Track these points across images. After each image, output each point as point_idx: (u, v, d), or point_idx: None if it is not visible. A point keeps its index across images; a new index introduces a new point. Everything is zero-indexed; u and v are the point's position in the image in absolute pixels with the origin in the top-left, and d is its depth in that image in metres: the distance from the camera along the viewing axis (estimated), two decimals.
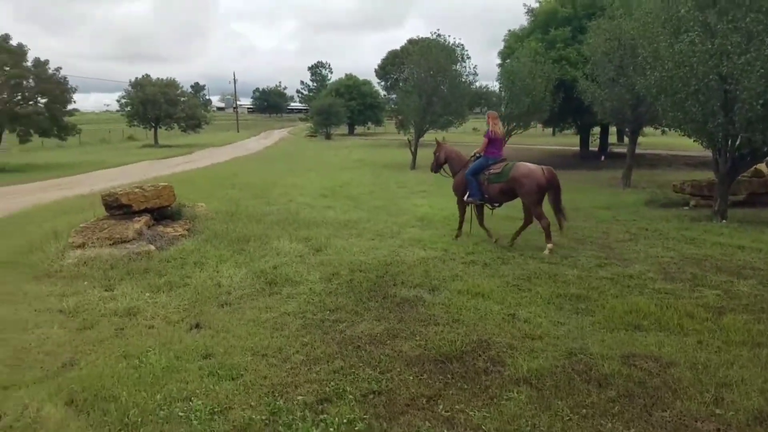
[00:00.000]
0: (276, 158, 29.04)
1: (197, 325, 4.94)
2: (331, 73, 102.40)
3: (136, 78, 43.62)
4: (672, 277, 6.61)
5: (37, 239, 8.32)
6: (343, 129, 65.74)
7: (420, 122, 24.50)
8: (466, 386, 3.87)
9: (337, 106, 55.36)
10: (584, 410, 3.50)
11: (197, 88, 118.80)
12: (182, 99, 44.50)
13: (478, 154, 8.63)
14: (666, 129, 20.99)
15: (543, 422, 3.36)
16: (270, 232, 8.62)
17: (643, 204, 12.98)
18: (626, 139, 23.77)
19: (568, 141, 40.09)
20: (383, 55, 68.64)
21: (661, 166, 23.63)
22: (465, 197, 8.64)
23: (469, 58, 24.07)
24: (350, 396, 3.67)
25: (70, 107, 27.12)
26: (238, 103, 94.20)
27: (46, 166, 25.13)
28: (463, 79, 24.14)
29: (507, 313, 5.28)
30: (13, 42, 24.18)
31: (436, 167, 9.47)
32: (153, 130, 44.65)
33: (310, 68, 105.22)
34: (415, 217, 10.61)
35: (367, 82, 65.57)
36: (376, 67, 66.36)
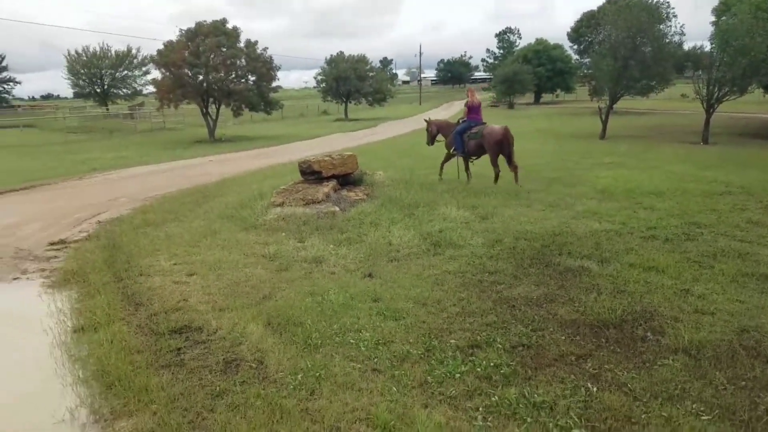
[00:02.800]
0: None
1: (370, 275, 5.60)
2: (520, 38, 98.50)
3: (331, 55, 47.08)
4: None
5: (246, 198, 9.87)
6: (528, 97, 63.19)
7: (614, 87, 22.78)
8: (619, 350, 3.92)
9: (523, 73, 53.02)
10: (743, 383, 3.35)
11: (385, 62, 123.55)
12: (371, 74, 46.90)
13: (462, 120, 11.41)
14: None
15: (694, 388, 3.31)
16: (439, 199, 9.07)
17: None
18: None
19: None
20: (577, 17, 63.98)
21: None
22: (451, 150, 11.34)
23: (675, 16, 21.70)
24: (499, 345, 3.97)
25: (274, 84, 30.45)
26: (423, 75, 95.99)
27: (254, 137, 28.73)
28: (668, 40, 21.83)
29: (680, 288, 5.04)
30: (229, 25, 27.75)
31: (431, 140, 12.20)
32: (344, 104, 47.96)
33: (497, 35, 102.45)
34: (595, 189, 10.20)
35: (558, 47, 61.71)
36: (569, 29, 62.29)
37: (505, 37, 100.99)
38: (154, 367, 3.80)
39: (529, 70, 54.24)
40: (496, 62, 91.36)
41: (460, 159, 11.34)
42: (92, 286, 5.61)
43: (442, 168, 11.74)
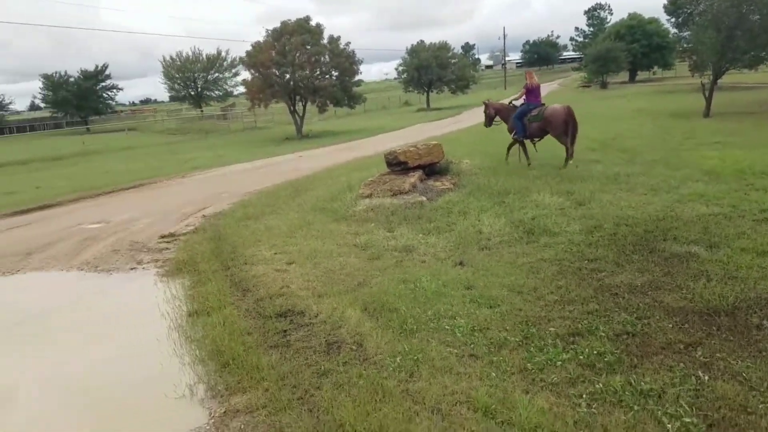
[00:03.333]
0: None
1: (461, 263, 5.61)
2: (611, 14, 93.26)
3: (412, 45, 47.05)
4: None
5: (336, 191, 10.15)
6: (623, 76, 59.70)
7: (718, 61, 21.02)
8: (732, 338, 3.69)
9: (616, 51, 49.97)
10: None
11: (467, 48, 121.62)
12: (452, 61, 46.39)
13: (514, 102, 11.55)
14: None
15: None
16: (531, 185, 8.85)
17: None
18: None
19: None
20: None
21: None
22: (513, 135, 11.17)
23: None
24: (602, 333, 3.85)
25: (357, 78, 30.96)
26: (507, 58, 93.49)
27: (339, 132, 29.40)
28: None
29: None
30: (312, 22, 28.47)
31: (489, 122, 12.08)
32: (425, 94, 47.80)
33: (586, 12, 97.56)
34: (701, 171, 9.53)
35: (654, 20, 57.58)
36: (665, 2, 58.06)
37: (595, 13, 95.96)
38: (264, 347, 4.06)
39: (623, 47, 51.07)
40: (587, 41, 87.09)
41: (516, 142, 11.29)
42: (202, 275, 6.05)
43: (508, 152, 11.64)
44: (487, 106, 12.17)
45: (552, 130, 10.57)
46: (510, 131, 11.42)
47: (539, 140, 11.16)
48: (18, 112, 70.44)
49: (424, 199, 8.44)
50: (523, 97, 11.24)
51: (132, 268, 6.80)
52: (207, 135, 36.41)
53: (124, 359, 4.42)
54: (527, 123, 10.84)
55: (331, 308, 4.60)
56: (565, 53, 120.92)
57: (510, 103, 11.48)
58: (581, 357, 3.56)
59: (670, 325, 3.94)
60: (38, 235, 8.93)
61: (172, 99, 70.37)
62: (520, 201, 7.85)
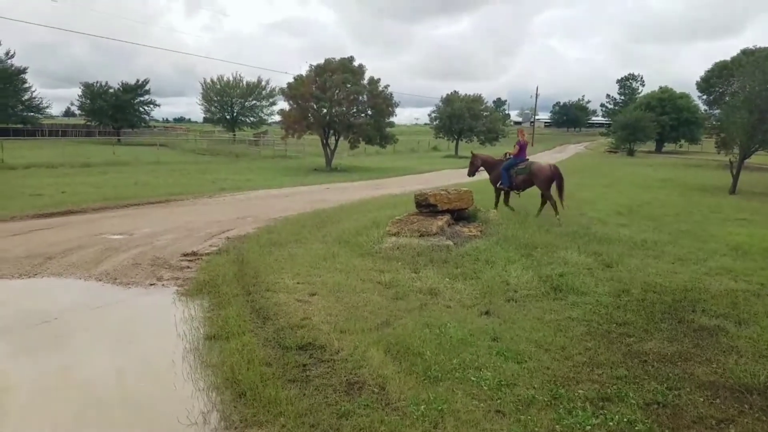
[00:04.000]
0: (569, 172, 28.24)
1: (487, 312, 5.48)
2: (643, 86, 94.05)
3: (447, 94, 47.87)
4: None
5: (362, 226, 10.12)
6: (650, 146, 60.01)
7: (747, 141, 21.01)
8: (764, 418, 3.55)
9: (646, 121, 50.55)
10: None
11: (498, 103, 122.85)
12: (485, 114, 47.00)
13: (510, 155, 12.57)
14: None
15: None
16: (558, 242, 8.74)
17: None
18: None
19: None
20: (708, 66, 60.06)
21: None
22: (498, 184, 12.40)
23: None
24: (632, 401, 3.72)
25: (390, 119, 31.41)
26: (536, 117, 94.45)
27: (368, 169, 29.61)
28: None
29: None
30: (355, 63, 29.14)
31: (473, 172, 13.29)
32: (455, 141, 48.30)
33: (618, 81, 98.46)
34: (728, 246, 9.35)
35: (684, 95, 58.40)
36: (699, 79, 58.47)
37: (627, 83, 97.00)
38: (282, 380, 3.94)
39: (653, 118, 51.60)
40: (616, 108, 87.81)
41: (502, 191, 12.57)
42: (223, 297, 5.98)
43: (497, 201, 12.63)
44: (475, 157, 13.37)
45: (538, 184, 11.89)
46: (493, 182, 12.74)
47: (521, 191, 12.47)
48: (52, 116, 72.48)
49: (451, 243, 8.36)
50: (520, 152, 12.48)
51: (151, 284, 6.76)
52: (237, 158, 36.94)
53: (137, 377, 4.33)
54: (514, 175, 12.18)
55: (353, 346, 4.49)
56: (593, 118, 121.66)
57: (506, 155, 12.85)
58: (611, 423, 3.42)
59: (702, 399, 3.82)
60: (60, 240, 8.98)
61: (206, 120, 71.96)
62: (547, 256, 7.73)
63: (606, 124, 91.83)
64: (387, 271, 7.08)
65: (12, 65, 58.91)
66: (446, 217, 9.38)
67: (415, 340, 4.56)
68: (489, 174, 13.01)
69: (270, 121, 69.06)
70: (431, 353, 4.32)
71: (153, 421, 3.71)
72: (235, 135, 59.45)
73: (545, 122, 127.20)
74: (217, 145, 47.73)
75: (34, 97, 61.76)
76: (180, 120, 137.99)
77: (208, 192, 16.75)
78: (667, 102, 56.55)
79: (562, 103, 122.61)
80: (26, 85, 60.68)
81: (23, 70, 60.18)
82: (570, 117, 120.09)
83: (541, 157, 48.70)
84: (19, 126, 60.76)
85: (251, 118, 65.65)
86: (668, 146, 63.11)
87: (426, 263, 7.42)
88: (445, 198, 9.55)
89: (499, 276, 6.74)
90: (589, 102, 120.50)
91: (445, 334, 4.73)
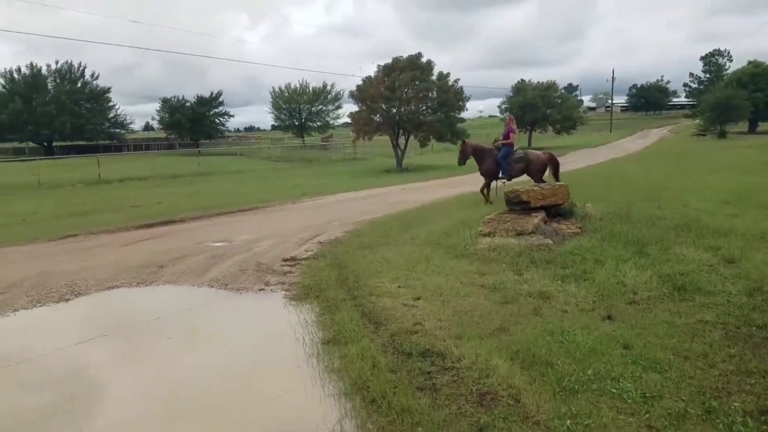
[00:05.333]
0: (657, 159, 26.98)
1: (609, 317, 5.15)
2: (731, 61, 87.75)
3: (516, 83, 46.73)
4: None
5: (450, 226, 9.94)
6: (741, 126, 55.71)
7: None
8: None
9: (738, 99, 46.91)
10: None
11: (570, 89, 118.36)
12: (558, 101, 45.47)
13: (500, 145, 13.01)
14: None
15: None
16: (668, 236, 8.17)
17: None
18: None
19: None
20: None
21: None
22: (499, 175, 12.98)
23: None
24: None
25: (461, 114, 30.98)
26: (612, 102, 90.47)
27: (437, 167, 29.30)
28: None
29: None
30: (423, 59, 28.93)
31: (463, 160, 13.42)
32: (528, 133, 47.03)
33: (702, 57, 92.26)
34: None
35: None
36: None
37: (712, 59, 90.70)
38: (410, 388, 3.85)
39: (745, 96, 47.84)
40: (701, 87, 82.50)
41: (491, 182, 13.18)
42: (330, 302, 6.01)
43: (488, 194, 13.08)
44: (466, 144, 13.71)
45: (534, 171, 12.60)
46: (485, 173, 13.09)
47: (509, 180, 13.02)
48: (133, 131, 77.25)
49: (550, 242, 8.01)
50: (507, 141, 12.95)
51: (260, 289, 6.91)
52: (310, 163, 37.78)
53: (267, 380, 4.40)
54: (512, 164, 12.70)
55: (473, 353, 4.33)
56: (674, 99, 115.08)
57: (495, 145, 13.22)
58: None
59: None
60: (167, 249, 9.40)
61: (274, 128, 74.15)
62: (661, 253, 7.21)
63: (690, 105, 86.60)
64: (488, 273, 6.87)
65: (97, 86, 63.31)
66: (541, 215, 9.01)
67: (541, 349, 4.33)
68: (479, 164, 13.24)
69: (336, 124, 70.25)
70: (561, 363, 4.09)
71: (289, 425, 3.72)
72: (304, 140, 60.85)
73: (622, 106, 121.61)
74: (290, 151, 49.02)
75: (119, 114, 66.10)
76: (250, 129, 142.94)
77: (290, 198, 17.13)
78: (761, 77, 52.33)
79: (639, 86, 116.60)
80: (111, 104, 65.06)
81: (107, 90, 64.50)
82: (649, 100, 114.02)
83: (622, 144, 46.67)
84: (107, 142, 65.19)
85: (318, 123, 67.04)
86: (763, 125, 58.43)
87: (528, 264, 7.14)
88: (538, 194, 9.19)
89: (614, 276, 6.35)
90: (668, 83, 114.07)
91: (571, 342, 4.47)
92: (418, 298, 5.98)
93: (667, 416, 3.39)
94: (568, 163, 28.30)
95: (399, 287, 6.45)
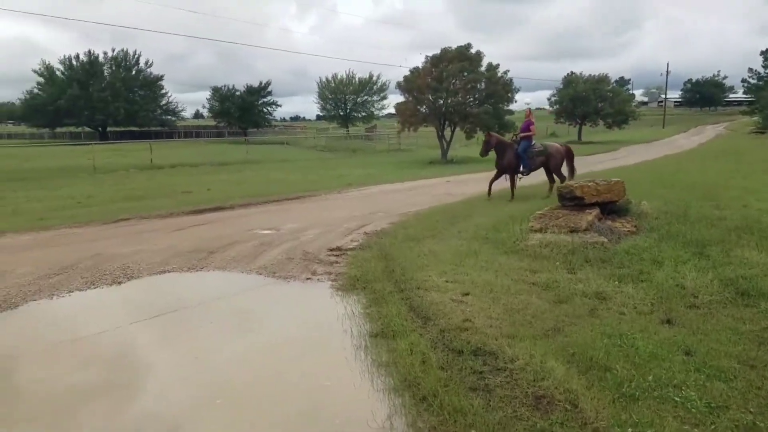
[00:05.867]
0: (714, 157, 25.81)
1: (668, 321, 4.95)
2: None
3: (566, 75, 45.49)
4: None
5: (498, 221, 9.78)
6: None
7: None
8: None
9: None
10: None
11: (622, 82, 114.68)
12: (610, 95, 44.09)
13: (520, 138, 13.13)
14: None
15: None
16: (728, 238, 7.79)
17: None
18: None
19: None
20: None
21: None
22: (521, 169, 13.09)
23: None
24: None
25: (509, 106, 30.37)
26: (664, 96, 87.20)
27: (483, 159, 28.79)
28: None
29: None
30: (472, 50, 28.45)
31: (486, 151, 13.52)
32: (578, 126, 45.82)
33: (763, 52, 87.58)
34: None
35: None
36: None
37: None
38: (462, 387, 3.78)
39: None
40: (760, 83, 78.46)
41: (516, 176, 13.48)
42: (377, 294, 5.98)
43: (512, 189, 13.23)
44: (491, 136, 13.67)
45: (554, 164, 13.14)
46: (506, 166, 13.10)
47: (525, 175, 13.46)
48: (184, 119, 79.40)
49: (605, 240, 7.76)
50: (528, 133, 13.02)
51: (307, 278, 6.95)
52: (354, 153, 37.89)
53: (315, 372, 4.39)
54: (532, 157, 12.88)
55: (527, 354, 4.22)
56: (731, 95, 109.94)
57: (514, 139, 13.28)
58: None
59: None
60: (217, 236, 9.58)
61: (319, 118, 74.76)
62: (722, 255, 6.89)
63: (748, 101, 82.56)
64: (539, 270, 6.71)
65: (151, 73, 65.21)
66: (595, 211, 8.74)
67: (598, 352, 4.18)
68: (500, 157, 13.22)
69: (380, 115, 70.29)
70: (620, 367, 3.94)
71: (337, 418, 3.71)
72: (348, 130, 61.14)
73: (675, 102, 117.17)
74: (334, 141, 49.33)
75: (171, 102, 67.95)
76: (296, 118, 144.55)
77: (335, 187, 17.21)
78: None
79: (694, 80, 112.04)
80: (163, 91, 66.92)
81: (160, 78, 66.33)
82: (704, 95, 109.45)
83: (676, 141, 44.96)
84: (158, 129, 67.22)
85: (362, 113, 67.23)
86: None
87: (581, 262, 6.93)
88: (593, 190, 8.91)
89: (672, 278, 6.09)
90: (725, 78, 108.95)
91: (630, 346, 4.30)
92: (467, 294, 5.88)
93: (735, 428, 3.22)
94: (620, 159, 27.51)
95: (447, 282, 6.37)
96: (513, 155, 13.03)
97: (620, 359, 4.08)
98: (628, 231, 8.36)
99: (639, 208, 9.53)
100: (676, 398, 3.54)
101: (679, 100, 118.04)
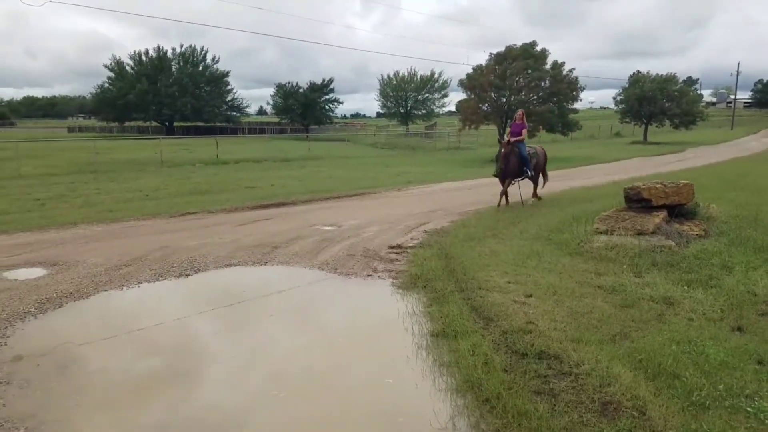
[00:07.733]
0: None
1: (739, 328, 4.79)
2: None
3: (632, 74, 43.89)
4: None
5: (560, 222, 9.65)
6: None
7: None
8: None
9: None
10: None
11: (689, 82, 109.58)
12: (677, 95, 42.17)
13: (512, 142, 12.50)
14: None
15: None
16: None
17: None
18: None
19: None
20: None
21: None
22: (527, 171, 12.78)
23: None
24: None
25: (574, 105, 29.63)
26: (733, 97, 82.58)
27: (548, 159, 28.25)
28: None
29: None
30: (537, 48, 27.94)
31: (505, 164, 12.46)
32: (644, 126, 44.09)
33: None
34: None
35: None
36: None
37: None
38: (526, 391, 3.80)
39: None
40: None
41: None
42: (438, 293, 6.06)
43: (506, 197, 12.77)
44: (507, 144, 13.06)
45: (542, 165, 13.45)
46: (511, 173, 12.57)
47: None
48: (248, 115, 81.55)
49: (673, 243, 7.52)
50: (520, 136, 12.69)
51: (368, 275, 7.10)
52: (414, 151, 37.97)
53: (376, 369, 4.52)
54: (533, 162, 12.93)
55: (593, 359, 4.19)
56: None
57: (508, 141, 12.60)
58: None
59: None
60: (280, 231, 9.88)
61: (379, 115, 75.13)
62: None
63: None
64: (605, 273, 6.59)
65: (217, 69, 67.40)
66: (663, 214, 8.46)
67: (667, 359, 4.10)
68: (506, 163, 12.38)
69: (440, 112, 69.92)
70: (689, 375, 3.86)
71: (399, 416, 3.81)
72: (408, 128, 61.18)
73: (745, 102, 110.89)
74: (394, 138, 49.54)
75: (236, 98, 70.01)
76: (356, 116, 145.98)
77: (396, 185, 17.36)
78: None
79: (765, 81, 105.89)
80: (228, 87, 69.00)
81: (226, 74, 68.44)
82: None
83: (746, 143, 42.57)
84: (223, 124, 69.45)
85: (423, 111, 67.08)
86: None
87: (648, 266, 6.77)
88: (661, 192, 8.63)
89: (743, 284, 5.86)
90: None
91: (700, 353, 4.21)
92: (530, 296, 5.87)
93: None
94: (688, 160, 26.35)
95: (509, 282, 6.37)
96: (516, 161, 12.60)
97: (689, 367, 4.00)
98: (697, 235, 8.06)
99: (707, 212, 9.17)
100: (749, 408, 3.45)
101: (749, 101, 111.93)
